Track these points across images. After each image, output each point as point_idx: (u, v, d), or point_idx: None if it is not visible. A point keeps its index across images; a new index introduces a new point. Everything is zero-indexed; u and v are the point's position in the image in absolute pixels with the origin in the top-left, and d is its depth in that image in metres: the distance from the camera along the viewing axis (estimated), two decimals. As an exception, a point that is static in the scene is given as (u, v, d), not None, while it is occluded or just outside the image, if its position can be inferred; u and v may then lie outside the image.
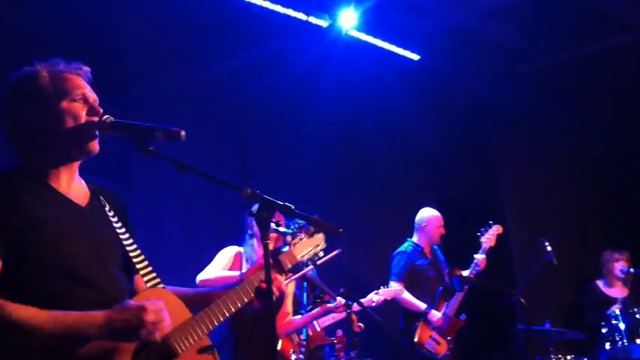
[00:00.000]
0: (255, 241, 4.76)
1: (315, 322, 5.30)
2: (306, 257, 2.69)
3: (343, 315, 5.25)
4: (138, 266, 2.27)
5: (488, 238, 6.21)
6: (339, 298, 4.95)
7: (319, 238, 2.76)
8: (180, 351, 2.14)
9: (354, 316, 4.89)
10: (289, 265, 2.58)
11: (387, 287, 5.84)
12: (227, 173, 6.29)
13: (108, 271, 2.17)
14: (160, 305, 2.02)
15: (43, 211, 2.05)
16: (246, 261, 4.69)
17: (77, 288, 2.05)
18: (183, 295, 2.33)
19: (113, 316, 1.94)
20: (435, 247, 6.49)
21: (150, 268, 2.29)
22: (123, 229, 2.30)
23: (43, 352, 1.90)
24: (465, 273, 6.00)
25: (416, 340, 5.96)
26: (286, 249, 2.64)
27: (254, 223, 4.69)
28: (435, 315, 6.00)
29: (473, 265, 6.05)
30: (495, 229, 6.27)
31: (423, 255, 6.32)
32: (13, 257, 1.97)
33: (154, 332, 1.98)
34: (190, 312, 2.26)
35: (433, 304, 6.09)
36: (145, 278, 2.26)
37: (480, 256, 6.07)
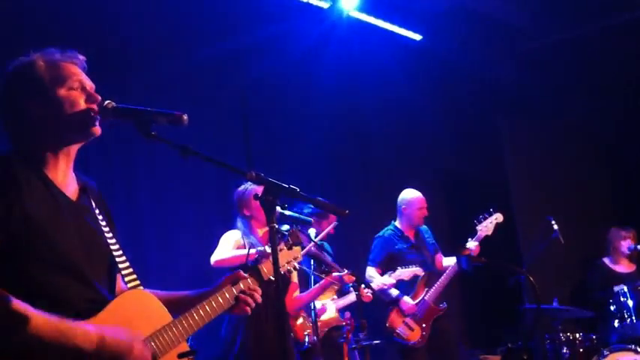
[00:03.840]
0: (252, 223, 4.75)
1: (331, 304, 5.28)
2: (284, 269, 2.74)
3: (352, 297, 5.25)
4: (120, 266, 2.26)
5: (486, 226, 5.99)
6: (345, 270, 4.94)
7: (297, 251, 2.80)
8: (159, 355, 2.14)
9: (361, 289, 4.88)
10: (269, 276, 2.58)
11: (404, 267, 5.76)
12: (231, 156, 6.27)
13: (98, 267, 2.17)
14: (148, 356, 2.05)
15: (41, 203, 2.05)
16: (252, 246, 4.65)
17: (72, 282, 2.05)
18: (163, 298, 2.32)
19: (106, 342, 1.94)
20: (424, 229, 6.32)
21: (131, 269, 2.28)
22: (107, 228, 2.29)
23: (26, 352, 1.86)
24: (452, 260, 5.94)
25: (387, 324, 5.88)
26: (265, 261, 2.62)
27: (250, 204, 4.69)
28: (406, 302, 5.87)
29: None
30: (494, 218, 6.03)
31: (402, 238, 6.16)
32: (10, 249, 1.96)
33: None
34: (171, 315, 2.27)
35: (412, 289, 5.96)
36: (126, 279, 2.26)
37: (472, 245, 5.88)
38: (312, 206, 5.15)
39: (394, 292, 5.92)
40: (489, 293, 7.23)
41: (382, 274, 5.95)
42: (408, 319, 5.87)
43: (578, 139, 8.85)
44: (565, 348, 6.00)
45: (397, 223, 6.27)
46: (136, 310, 2.16)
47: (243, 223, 4.80)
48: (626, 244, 7.29)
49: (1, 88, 2.20)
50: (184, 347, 2.25)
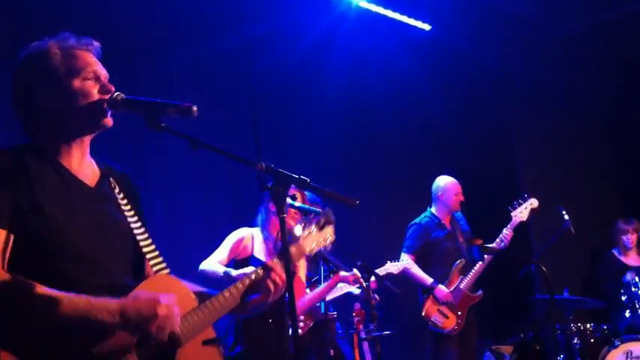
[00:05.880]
0: (273, 219, 4.72)
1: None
2: (315, 250, 2.65)
3: (345, 289, 5.23)
4: (146, 251, 2.24)
5: (520, 212, 5.98)
6: (354, 270, 4.93)
7: (328, 231, 2.71)
8: (184, 341, 2.10)
9: (370, 291, 4.86)
10: (298, 259, 2.57)
11: (395, 262, 5.77)
12: (240, 147, 6.27)
13: (117, 253, 2.16)
14: (173, 299, 1.99)
15: (53, 192, 2.05)
16: (266, 238, 4.66)
17: (88, 270, 2.04)
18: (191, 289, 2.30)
19: (127, 305, 1.92)
20: (459, 216, 6.32)
21: (157, 253, 2.26)
22: (132, 212, 2.27)
23: (49, 333, 1.88)
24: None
25: (423, 313, 5.90)
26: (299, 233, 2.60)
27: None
28: (442, 290, 5.88)
29: (499, 240, 5.87)
30: (529, 203, 6.01)
31: (439, 226, 6.17)
32: (23, 238, 1.97)
33: (164, 328, 1.95)
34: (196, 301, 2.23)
35: (447, 277, 5.99)
36: (152, 262, 2.24)
37: (506, 232, 5.87)
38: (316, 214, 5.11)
39: (429, 279, 5.94)
40: (501, 284, 7.21)
41: (416, 261, 6.00)
42: (442, 307, 5.88)
43: (589, 129, 8.81)
44: (576, 338, 5.99)
45: (433, 210, 6.27)
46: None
47: (265, 216, 4.77)
48: (626, 238, 7.26)
49: (15, 75, 2.18)
50: (210, 333, 2.22)
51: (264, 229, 4.72)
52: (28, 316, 1.86)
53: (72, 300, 1.88)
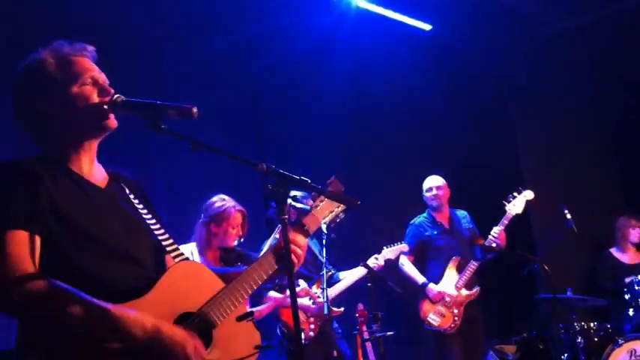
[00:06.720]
0: (213, 241, 4.46)
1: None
2: (328, 219, 2.62)
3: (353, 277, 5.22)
4: (165, 245, 2.26)
5: (515, 205, 5.98)
6: (300, 285, 4.89)
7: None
8: (219, 322, 2.13)
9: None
10: (313, 229, 2.51)
11: (390, 246, 5.75)
12: (242, 147, 6.28)
13: (142, 245, 2.18)
14: (201, 350, 2.02)
15: (68, 194, 2.06)
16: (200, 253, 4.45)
17: (118, 264, 2.06)
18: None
19: (162, 332, 1.94)
20: (462, 214, 6.33)
21: (176, 246, 2.29)
22: (145, 210, 2.29)
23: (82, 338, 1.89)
24: None
25: (420, 313, 5.90)
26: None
27: (222, 224, 4.39)
28: (431, 290, 5.88)
29: (489, 240, 5.86)
30: (524, 195, 6.01)
31: (434, 224, 6.21)
32: (49, 241, 1.98)
33: None
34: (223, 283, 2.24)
35: (442, 275, 5.99)
36: (173, 255, 2.26)
37: (497, 230, 5.86)
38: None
39: (420, 279, 5.96)
40: (504, 283, 7.20)
41: (414, 262, 6.06)
42: (438, 306, 5.88)
43: (591, 126, 8.79)
44: (580, 337, 5.97)
45: (429, 210, 6.32)
46: (189, 280, 2.14)
47: (204, 237, 4.46)
48: (635, 233, 7.25)
49: (14, 89, 2.19)
50: (243, 309, 2.23)
51: (201, 254, 4.41)
52: (65, 322, 1.87)
53: (103, 307, 1.88)
